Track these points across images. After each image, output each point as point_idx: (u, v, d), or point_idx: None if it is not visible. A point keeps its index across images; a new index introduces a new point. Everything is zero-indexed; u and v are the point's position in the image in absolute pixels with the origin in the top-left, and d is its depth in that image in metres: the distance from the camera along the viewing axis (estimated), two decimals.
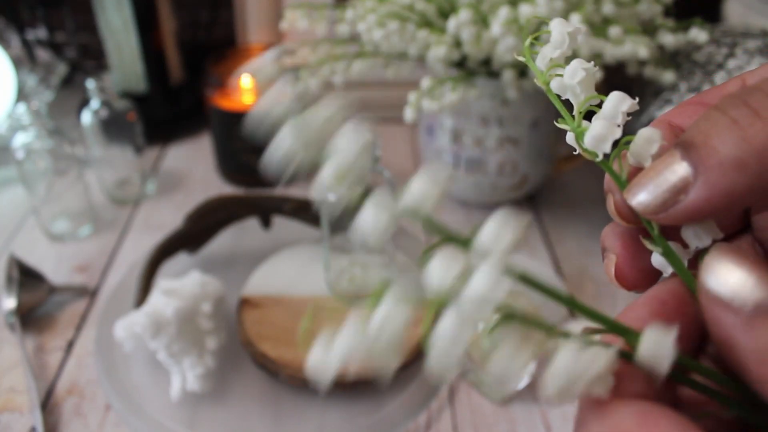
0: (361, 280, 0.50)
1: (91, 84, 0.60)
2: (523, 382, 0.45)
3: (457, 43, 0.51)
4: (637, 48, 0.48)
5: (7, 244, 0.60)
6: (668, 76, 0.51)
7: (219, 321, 0.46)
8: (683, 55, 0.52)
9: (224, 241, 0.58)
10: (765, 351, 0.14)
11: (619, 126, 0.18)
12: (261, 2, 0.76)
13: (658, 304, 0.17)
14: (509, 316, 0.15)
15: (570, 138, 0.18)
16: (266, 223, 0.57)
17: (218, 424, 0.43)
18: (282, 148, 0.15)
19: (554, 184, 0.69)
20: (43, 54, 0.83)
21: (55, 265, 0.57)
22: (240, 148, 0.66)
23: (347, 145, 0.15)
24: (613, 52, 0.48)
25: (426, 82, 0.53)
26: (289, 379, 0.44)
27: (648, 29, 0.51)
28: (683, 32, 0.51)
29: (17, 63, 0.76)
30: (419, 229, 0.63)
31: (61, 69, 0.80)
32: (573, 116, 0.19)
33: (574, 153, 0.19)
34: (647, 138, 0.17)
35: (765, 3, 0.68)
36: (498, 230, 0.15)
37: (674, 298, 0.17)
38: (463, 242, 0.16)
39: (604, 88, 0.60)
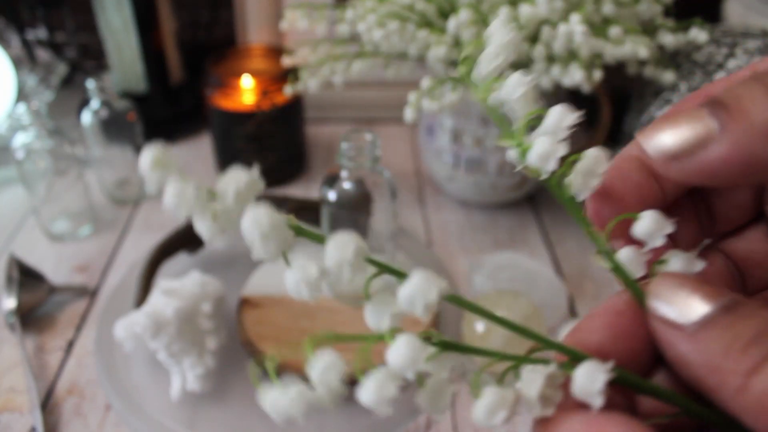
0: (361, 280, 0.50)
1: (91, 84, 0.60)
2: None
3: (457, 43, 0.51)
4: (637, 48, 0.48)
5: (7, 244, 0.60)
6: (668, 76, 0.51)
7: (219, 321, 0.46)
8: (683, 55, 0.52)
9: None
10: (712, 362, 0.15)
11: (563, 141, 0.17)
12: (261, 2, 0.76)
13: (614, 315, 0.17)
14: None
15: (512, 155, 0.18)
16: None
17: (218, 424, 0.43)
18: (206, 237, 0.15)
19: None
20: (43, 54, 0.83)
21: (55, 265, 0.57)
22: (240, 148, 0.66)
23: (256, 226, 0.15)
24: (613, 52, 0.48)
25: (426, 82, 0.53)
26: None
27: (648, 29, 0.51)
28: (683, 32, 0.51)
29: (17, 63, 0.76)
30: (419, 229, 0.63)
31: (61, 69, 0.80)
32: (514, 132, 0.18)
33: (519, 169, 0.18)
34: (595, 157, 0.17)
35: (765, 3, 0.68)
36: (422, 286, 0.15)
37: (630, 308, 0.17)
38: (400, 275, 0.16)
39: (605, 88, 0.60)
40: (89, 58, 0.88)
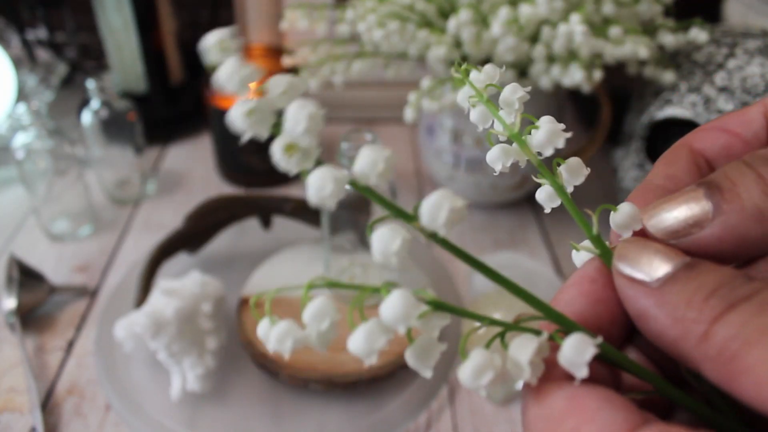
0: (361, 280, 0.50)
1: (91, 84, 0.60)
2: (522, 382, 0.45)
3: (457, 43, 0.51)
4: (637, 48, 0.48)
5: (7, 244, 0.60)
6: (668, 76, 0.51)
7: (219, 321, 0.46)
8: (683, 55, 0.52)
9: (224, 241, 0.58)
10: (675, 313, 0.15)
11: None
12: (261, 2, 0.76)
13: (588, 282, 0.18)
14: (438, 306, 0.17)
15: (506, 149, 0.19)
16: (266, 223, 0.57)
17: (218, 424, 0.43)
18: (237, 119, 0.15)
19: None
20: (43, 54, 0.83)
21: (55, 265, 0.57)
22: (240, 148, 0.66)
23: (293, 118, 0.16)
24: (613, 52, 0.48)
25: (426, 82, 0.53)
26: (289, 379, 0.44)
27: (648, 29, 0.51)
28: (683, 32, 0.51)
29: (17, 63, 0.76)
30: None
31: (61, 69, 0.80)
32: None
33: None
34: (631, 215, 0.18)
35: (765, 3, 0.68)
36: (438, 203, 0.16)
37: (603, 276, 0.18)
38: (407, 216, 0.17)
39: (605, 88, 0.60)
40: (89, 58, 0.88)
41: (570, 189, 0.19)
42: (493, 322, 0.17)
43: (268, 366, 0.45)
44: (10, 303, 0.50)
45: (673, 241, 0.17)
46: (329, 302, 0.16)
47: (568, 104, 0.60)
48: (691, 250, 0.17)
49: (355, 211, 0.47)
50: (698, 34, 0.50)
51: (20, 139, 0.55)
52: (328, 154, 0.74)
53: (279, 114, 0.16)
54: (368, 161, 0.16)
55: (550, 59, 0.50)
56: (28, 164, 0.56)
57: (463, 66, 0.20)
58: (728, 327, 0.14)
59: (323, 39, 0.58)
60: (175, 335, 0.43)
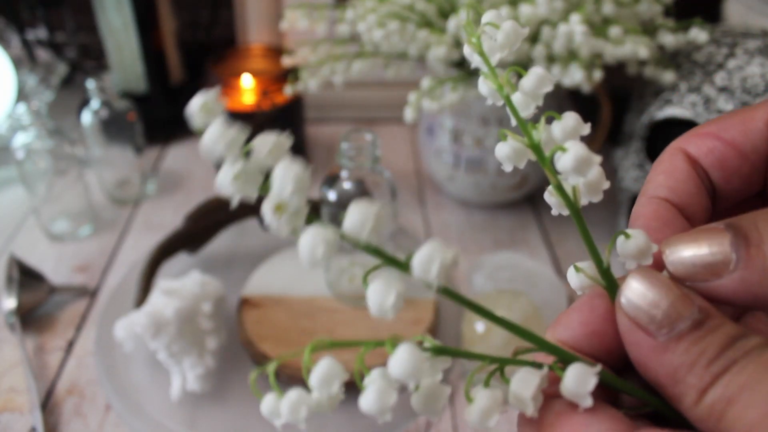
0: (361, 279, 0.50)
1: (91, 84, 0.60)
2: None
3: (457, 43, 0.51)
4: (637, 48, 0.48)
5: (7, 244, 0.60)
6: (668, 76, 0.51)
7: (219, 321, 0.46)
8: (683, 55, 0.52)
9: (224, 241, 0.58)
10: (677, 373, 0.16)
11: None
12: (261, 2, 0.76)
13: (589, 311, 0.18)
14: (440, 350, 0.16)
15: (518, 149, 0.17)
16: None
17: (218, 424, 0.43)
18: (225, 184, 0.15)
19: None
20: (43, 54, 0.83)
21: (55, 265, 0.57)
22: None
23: (280, 180, 0.15)
24: (613, 52, 0.48)
25: (426, 82, 0.53)
26: (289, 379, 0.44)
27: (648, 29, 0.51)
28: (683, 32, 0.51)
29: (17, 63, 0.76)
30: (418, 230, 0.63)
31: (61, 69, 0.80)
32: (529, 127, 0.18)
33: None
34: (642, 249, 0.17)
35: (765, 3, 0.68)
36: (431, 255, 0.15)
37: (605, 307, 0.18)
38: (401, 266, 0.16)
39: (605, 88, 0.60)
40: (89, 58, 0.88)
41: (584, 203, 0.18)
42: (494, 360, 0.17)
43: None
44: (10, 303, 0.50)
45: (689, 282, 0.17)
46: (335, 364, 0.16)
47: (568, 104, 0.60)
48: (702, 294, 0.17)
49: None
50: (698, 34, 0.50)
51: (20, 139, 0.55)
52: (328, 154, 0.74)
53: (267, 173, 0.16)
54: (356, 220, 0.15)
55: (550, 59, 0.50)
56: (28, 164, 0.56)
57: (477, 29, 0.17)
58: (715, 390, 0.15)
59: (323, 39, 0.58)
60: (175, 335, 0.43)
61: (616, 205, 0.59)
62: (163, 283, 0.46)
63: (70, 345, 0.50)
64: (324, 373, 0.16)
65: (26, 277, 0.51)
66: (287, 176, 0.15)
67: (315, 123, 0.79)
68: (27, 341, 0.50)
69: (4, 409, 0.44)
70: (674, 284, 0.16)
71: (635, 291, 0.16)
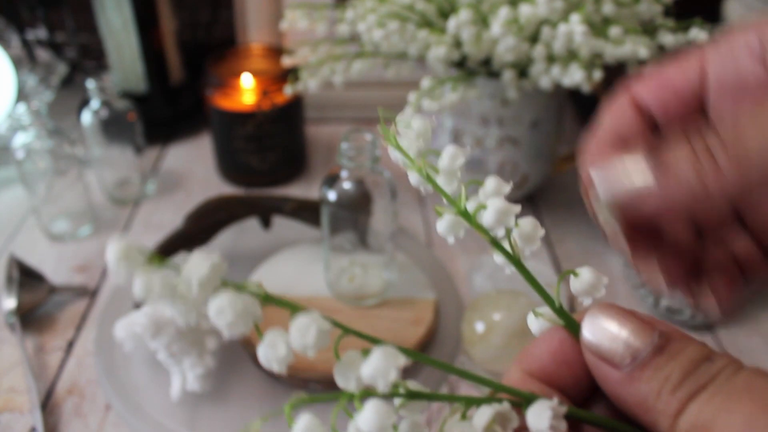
0: (361, 280, 0.50)
1: (91, 84, 0.60)
2: None
3: (457, 43, 0.51)
4: (637, 48, 0.48)
5: (7, 244, 0.60)
6: None
7: None
8: None
9: (224, 241, 0.58)
10: (646, 401, 0.16)
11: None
12: (261, 2, 0.76)
13: (558, 342, 0.18)
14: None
15: (452, 221, 0.18)
16: (266, 223, 0.57)
17: (218, 424, 0.43)
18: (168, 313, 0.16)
19: (554, 184, 0.69)
20: (43, 54, 0.83)
21: (55, 265, 0.57)
22: (240, 148, 0.66)
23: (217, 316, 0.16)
24: (613, 52, 0.48)
25: (426, 82, 0.53)
26: (289, 379, 0.44)
27: (648, 29, 0.51)
28: (683, 32, 0.51)
29: (17, 63, 0.76)
30: (419, 230, 0.63)
31: (61, 69, 0.80)
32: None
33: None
34: (592, 283, 0.18)
35: (765, 3, 0.68)
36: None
37: (572, 337, 0.18)
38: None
39: (605, 88, 0.60)
40: (89, 58, 0.88)
41: (527, 254, 0.19)
42: (470, 401, 0.17)
43: None
44: (10, 303, 0.50)
45: (611, 201, 0.19)
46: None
47: (568, 104, 0.60)
48: (634, 221, 0.19)
49: (355, 211, 0.47)
50: (698, 34, 0.50)
51: (20, 139, 0.55)
52: (328, 154, 0.74)
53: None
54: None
55: (550, 59, 0.50)
56: (28, 164, 0.56)
57: (391, 128, 0.19)
58: (689, 416, 0.15)
59: (323, 39, 0.58)
60: (175, 335, 0.43)
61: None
62: None
63: (70, 345, 0.50)
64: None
65: (26, 277, 0.51)
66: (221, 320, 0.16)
67: (315, 123, 0.79)
68: (27, 341, 0.50)
69: (4, 409, 0.44)
70: (630, 314, 0.17)
71: (593, 328, 0.17)
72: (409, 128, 0.19)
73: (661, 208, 0.18)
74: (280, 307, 0.17)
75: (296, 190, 0.69)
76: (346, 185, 0.45)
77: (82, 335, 0.51)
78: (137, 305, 0.47)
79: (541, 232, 0.18)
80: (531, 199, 0.66)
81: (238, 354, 0.48)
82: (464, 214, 0.18)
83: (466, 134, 0.58)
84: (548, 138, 0.59)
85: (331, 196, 0.45)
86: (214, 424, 0.43)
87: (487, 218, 0.18)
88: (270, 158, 0.67)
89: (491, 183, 0.18)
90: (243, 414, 0.44)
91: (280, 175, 0.69)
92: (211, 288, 0.16)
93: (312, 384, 0.44)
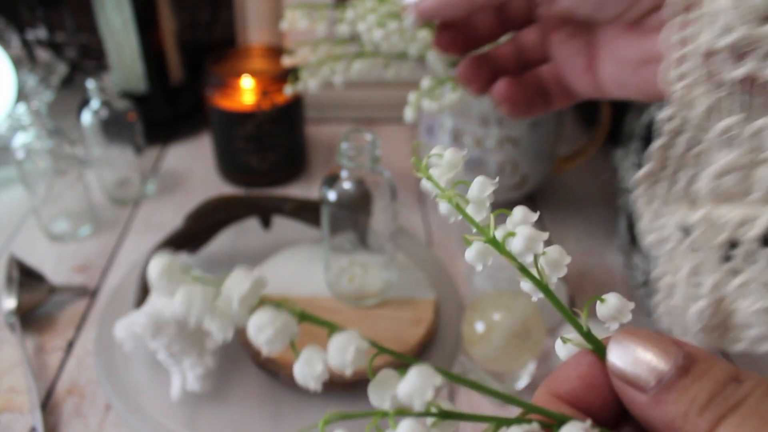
0: (361, 280, 0.50)
1: (91, 84, 0.60)
2: (523, 382, 0.45)
3: None
4: None
5: (7, 244, 0.60)
6: None
7: None
8: None
9: (224, 241, 0.58)
10: (674, 423, 0.16)
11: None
12: (261, 2, 0.76)
13: (587, 365, 0.18)
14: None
15: (481, 249, 0.19)
16: (266, 223, 0.57)
17: (218, 424, 0.43)
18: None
19: (554, 184, 0.69)
20: (43, 54, 0.83)
21: (55, 265, 0.57)
22: (240, 148, 0.66)
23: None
24: None
25: (426, 82, 0.53)
26: (289, 379, 0.44)
27: None
28: None
29: (17, 63, 0.76)
30: (419, 230, 0.63)
31: (61, 69, 0.80)
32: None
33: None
34: (618, 308, 0.19)
35: None
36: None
37: (601, 361, 0.18)
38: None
39: None
40: (89, 58, 0.88)
41: (554, 281, 0.19)
42: (500, 421, 0.18)
43: (268, 366, 0.45)
44: (10, 303, 0.50)
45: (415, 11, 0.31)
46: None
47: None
48: (423, 14, 0.31)
49: (355, 211, 0.47)
50: None
51: (20, 139, 0.55)
52: (328, 154, 0.74)
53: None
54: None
55: None
56: (28, 164, 0.56)
57: (424, 161, 0.20)
58: None
59: (323, 39, 0.58)
60: (175, 335, 0.43)
61: (616, 205, 0.59)
62: None
63: (70, 345, 0.50)
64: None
65: (26, 277, 0.51)
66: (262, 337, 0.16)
67: (315, 123, 0.79)
68: (27, 341, 0.50)
69: (4, 409, 0.44)
70: (655, 337, 0.17)
71: (618, 352, 0.17)
72: (441, 159, 0.20)
73: (433, 6, 0.31)
74: (317, 325, 0.17)
75: (296, 190, 0.69)
76: (346, 185, 0.45)
77: (82, 335, 0.51)
78: (137, 305, 0.47)
79: (568, 259, 0.19)
80: (531, 199, 0.66)
81: (238, 354, 0.48)
82: (493, 242, 0.19)
83: (466, 134, 0.58)
84: (548, 138, 0.59)
85: (331, 196, 0.45)
86: (214, 424, 0.43)
87: (516, 245, 0.18)
88: (270, 158, 0.67)
89: (519, 212, 0.19)
90: (243, 414, 0.44)
91: (280, 175, 0.69)
92: (251, 304, 0.16)
93: None
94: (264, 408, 0.44)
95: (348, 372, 0.17)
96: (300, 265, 0.53)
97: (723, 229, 0.29)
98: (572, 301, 0.53)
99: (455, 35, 0.35)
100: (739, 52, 0.25)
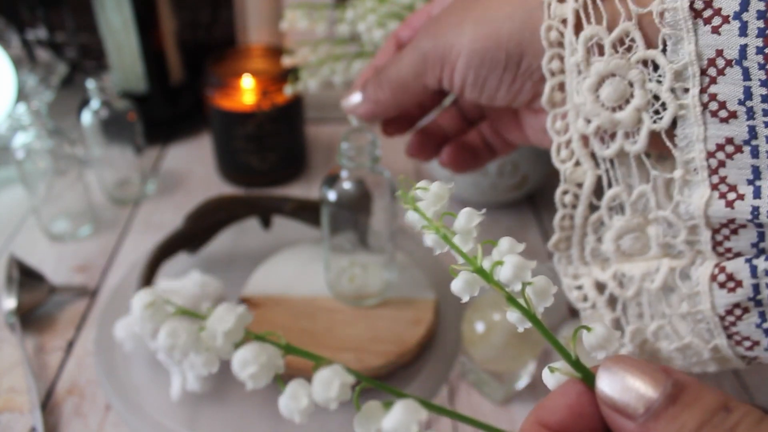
0: (361, 280, 0.50)
1: (91, 84, 0.60)
2: (523, 382, 0.45)
3: None
4: None
5: (7, 244, 0.60)
6: None
7: None
8: None
9: (224, 241, 0.58)
10: None
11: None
12: (261, 2, 0.76)
13: (575, 394, 0.18)
14: None
15: (469, 279, 0.19)
16: (266, 223, 0.57)
17: (218, 424, 0.43)
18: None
19: (554, 184, 0.68)
20: (43, 54, 0.83)
21: (55, 265, 0.57)
22: (240, 148, 0.66)
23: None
24: None
25: None
26: (289, 379, 0.44)
27: None
28: None
29: (17, 63, 0.76)
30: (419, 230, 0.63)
31: (61, 69, 0.80)
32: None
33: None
34: (606, 337, 0.19)
35: None
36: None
37: (589, 391, 0.18)
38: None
39: None
40: (89, 58, 0.88)
41: (541, 310, 0.19)
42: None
43: None
44: (10, 303, 0.50)
45: (352, 113, 0.35)
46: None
47: None
48: (363, 117, 0.35)
49: (355, 211, 0.47)
50: None
51: (20, 139, 0.55)
52: (328, 154, 0.74)
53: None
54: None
55: None
56: (28, 164, 0.56)
57: (410, 193, 0.20)
58: None
59: (323, 39, 0.58)
60: None
61: None
62: (163, 283, 0.46)
63: (70, 345, 0.50)
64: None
65: (26, 277, 0.51)
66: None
67: (315, 123, 0.79)
68: (27, 341, 0.50)
69: (4, 409, 0.44)
70: (644, 363, 0.17)
71: (607, 379, 0.17)
72: (427, 191, 0.20)
73: (366, 111, 0.40)
74: (303, 357, 0.17)
75: (296, 190, 0.69)
76: (346, 185, 0.45)
77: (82, 335, 0.51)
78: None
79: (554, 288, 0.19)
80: (531, 199, 0.66)
81: None
82: (480, 271, 0.19)
83: None
84: None
85: (331, 196, 0.45)
86: (214, 424, 0.43)
87: (504, 273, 0.18)
88: (270, 158, 0.67)
89: (505, 242, 0.20)
90: (243, 414, 0.44)
91: (280, 175, 0.69)
92: (236, 338, 0.17)
93: None
94: (264, 408, 0.44)
95: (332, 407, 0.17)
96: (300, 265, 0.53)
97: (631, 283, 0.32)
98: (571, 311, 0.53)
99: (398, 124, 0.43)
100: (607, 134, 0.30)
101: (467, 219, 0.20)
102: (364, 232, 0.49)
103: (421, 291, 0.51)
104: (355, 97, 0.40)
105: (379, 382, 0.17)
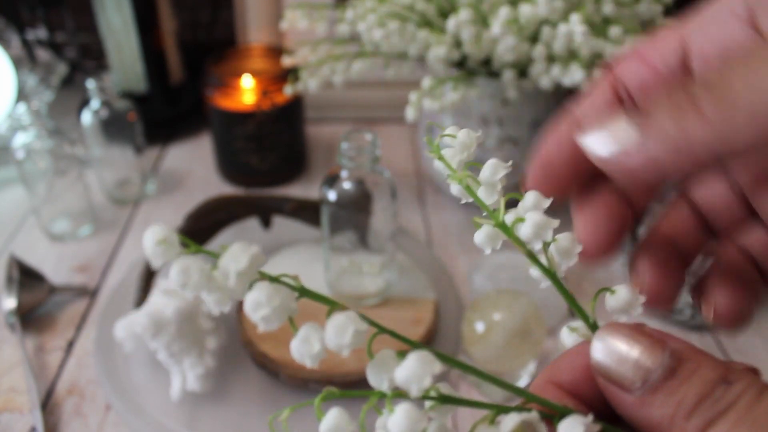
0: (361, 280, 0.50)
1: (91, 84, 0.60)
2: (523, 382, 0.45)
3: (457, 43, 0.51)
4: None
5: (7, 244, 0.60)
6: None
7: (219, 321, 0.46)
8: None
9: (224, 241, 0.58)
10: (660, 427, 0.15)
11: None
12: (261, 2, 0.76)
13: (589, 357, 0.18)
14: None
15: (491, 233, 0.18)
16: (266, 223, 0.57)
17: (218, 424, 0.43)
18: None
19: None
20: (43, 54, 0.83)
21: (55, 265, 0.57)
22: (240, 148, 0.66)
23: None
24: (613, 52, 0.48)
25: (427, 82, 0.53)
26: (289, 379, 0.44)
27: (648, 29, 0.51)
28: None
29: (17, 63, 0.76)
30: (419, 230, 0.63)
31: (61, 69, 0.80)
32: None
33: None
34: (628, 301, 0.18)
35: None
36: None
37: None
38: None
39: None
40: (89, 58, 0.88)
41: (564, 268, 0.19)
42: (501, 410, 0.17)
43: (268, 366, 0.45)
44: (10, 303, 0.50)
45: (605, 165, 0.17)
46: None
47: (568, 104, 0.60)
48: (619, 175, 0.17)
49: (355, 211, 0.47)
50: None
51: (20, 139, 0.55)
52: (328, 154, 0.74)
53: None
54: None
55: (550, 59, 0.50)
56: (28, 164, 0.56)
57: (435, 141, 0.19)
58: None
59: (323, 39, 0.58)
60: (175, 335, 0.43)
61: None
62: (163, 283, 0.46)
63: (70, 345, 0.50)
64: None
65: (26, 277, 0.51)
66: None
67: (315, 123, 0.79)
68: (27, 341, 0.50)
69: (4, 409, 0.44)
70: (640, 331, 0.16)
71: (601, 350, 0.16)
72: (454, 139, 0.19)
73: (646, 163, 0.16)
74: (316, 301, 0.17)
75: (296, 190, 0.69)
76: (346, 185, 0.45)
77: (82, 335, 0.51)
78: (137, 305, 0.47)
79: (579, 247, 0.18)
80: None
81: (238, 354, 0.48)
82: (502, 226, 0.18)
83: None
84: None
85: (331, 196, 0.45)
86: (214, 424, 0.43)
87: (524, 231, 0.18)
88: (270, 158, 0.67)
89: (531, 197, 0.19)
90: (243, 414, 0.44)
91: (280, 175, 0.69)
92: (249, 279, 0.16)
93: (312, 384, 0.44)
94: (264, 408, 0.44)
95: (345, 353, 0.16)
96: (300, 265, 0.53)
97: None
98: (571, 311, 0.53)
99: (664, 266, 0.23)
100: None
101: (492, 171, 0.19)
102: (364, 232, 0.49)
103: (421, 291, 0.51)
104: (618, 131, 0.17)
105: (395, 333, 0.17)
